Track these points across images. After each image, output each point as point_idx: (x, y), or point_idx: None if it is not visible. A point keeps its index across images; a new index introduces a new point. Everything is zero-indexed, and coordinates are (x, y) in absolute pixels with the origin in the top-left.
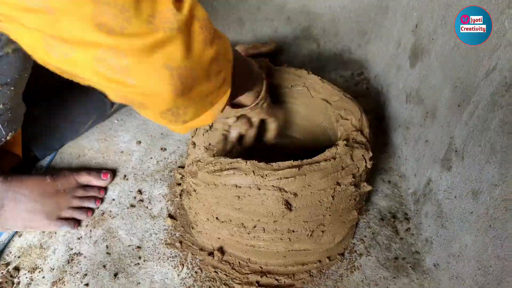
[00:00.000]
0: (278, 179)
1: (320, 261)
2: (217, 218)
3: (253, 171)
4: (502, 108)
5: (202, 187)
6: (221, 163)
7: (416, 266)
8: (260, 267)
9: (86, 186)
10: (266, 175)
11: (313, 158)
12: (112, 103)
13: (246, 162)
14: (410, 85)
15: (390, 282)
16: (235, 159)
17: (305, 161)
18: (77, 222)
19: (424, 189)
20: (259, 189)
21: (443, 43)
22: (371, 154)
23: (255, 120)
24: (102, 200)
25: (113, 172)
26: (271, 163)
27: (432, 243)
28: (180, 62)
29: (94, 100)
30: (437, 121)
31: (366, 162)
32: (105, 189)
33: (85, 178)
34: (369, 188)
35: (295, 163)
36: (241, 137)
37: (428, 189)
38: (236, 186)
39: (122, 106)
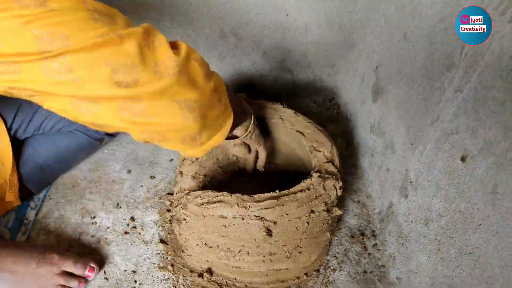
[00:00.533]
0: (259, 209)
1: (298, 278)
2: (205, 243)
3: (237, 203)
4: (444, 152)
5: (192, 217)
6: (208, 196)
7: (382, 278)
8: (245, 285)
9: (69, 275)
10: (249, 206)
11: (289, 190)
12: (101, 141)
13: (231, 195)
14: (373, 118)
15: None
16: (221, 193)
17: (282, 192)
18: None
19: (387, 211)
20: (243, 218)
21: (398, 87)
22: (341, 184)
23: (253, 148)
24: None
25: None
26: (253, 195)
27: (395, 259)
28: (186, 95)
29: (86, 144)
30: (396, 154)
31: (337, 190)
32: (86, 280)
33: (69, 268)
34: (339, 212)
35: (274, 194)
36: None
37: (390, 211)
38: (223, 217)
39: (111, 139)
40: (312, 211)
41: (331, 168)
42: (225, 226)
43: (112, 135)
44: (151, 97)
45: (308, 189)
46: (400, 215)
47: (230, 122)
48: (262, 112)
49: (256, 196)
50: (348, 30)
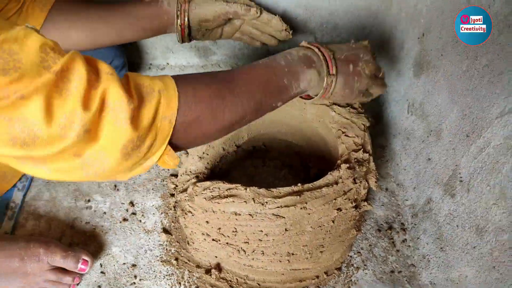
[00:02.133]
0: (278, 207)
1: (317, 277)
2: (214, 239)
3: (253, 198)
4: None
5: (199, 212)
6: (219, 189)
7: (412, 279)
8: (258, 284)
9: (60, 270)
10: (266, 202)
11: (314, 183)
12: None
13: (246, 188)
14: (412, 95)
15: None
16: (234, 185)
17: (306, 186)
18: None
19: (423, 206)
20: (259, 216)
21: (453, 63)
22: (376, 177)
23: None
24: (77, 284)
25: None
26: (272, 189)
27: (429, 261)
28: (84, 151)
29: None
30: (442, 143)
31: (369, 184)
32: (80, 275)
33: (58, 263)
34: (369, 207)
35: (296, 188)
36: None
37: (428, 208)
38: (235, 214)
39: None
40: (339, 209)
41: (361, 156)
42: (238, 224)
43: None
44: (50, 158)
45: (336, 183)
46: (441, 216)
47: (157, 156)
48: None
49: (274, 190)
50: None
